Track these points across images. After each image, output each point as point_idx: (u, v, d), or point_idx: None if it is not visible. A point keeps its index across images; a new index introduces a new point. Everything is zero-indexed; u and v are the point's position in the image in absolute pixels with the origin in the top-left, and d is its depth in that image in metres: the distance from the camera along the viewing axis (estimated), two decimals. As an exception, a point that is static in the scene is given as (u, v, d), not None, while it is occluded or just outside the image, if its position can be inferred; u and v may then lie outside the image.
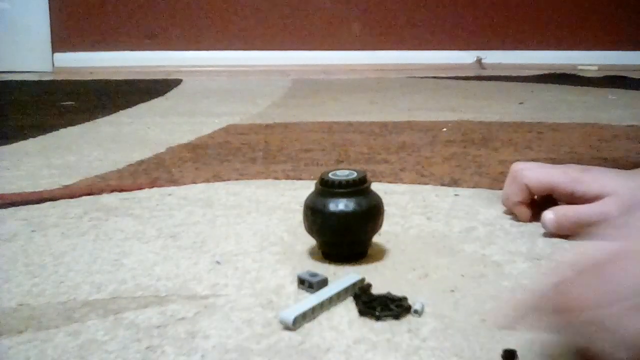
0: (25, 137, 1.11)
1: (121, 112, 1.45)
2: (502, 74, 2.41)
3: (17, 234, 0.61)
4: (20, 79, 2.35)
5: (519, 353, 0.38)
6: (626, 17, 2.78)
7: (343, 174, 0.52)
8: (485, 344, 0.39)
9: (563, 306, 0.33)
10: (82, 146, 1.04)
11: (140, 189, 0.77)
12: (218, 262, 0.53)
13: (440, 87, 2.02)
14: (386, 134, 1.14)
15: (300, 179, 0.81)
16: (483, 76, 2.37)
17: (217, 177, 0.82)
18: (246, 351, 0.39)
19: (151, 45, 2.72)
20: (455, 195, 0.73)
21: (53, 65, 2.66)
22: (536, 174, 0.62)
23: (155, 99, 1.70)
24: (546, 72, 2.45)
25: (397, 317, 0.42)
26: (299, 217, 0.58)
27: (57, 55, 2.67)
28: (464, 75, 2.39)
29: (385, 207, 0.54)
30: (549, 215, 0.59)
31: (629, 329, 0.31)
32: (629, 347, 0.31)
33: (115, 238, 0.60)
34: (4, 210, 0.68)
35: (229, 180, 0.81)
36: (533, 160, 0.79)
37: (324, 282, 0.47)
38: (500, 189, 0.66)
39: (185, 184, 0.79)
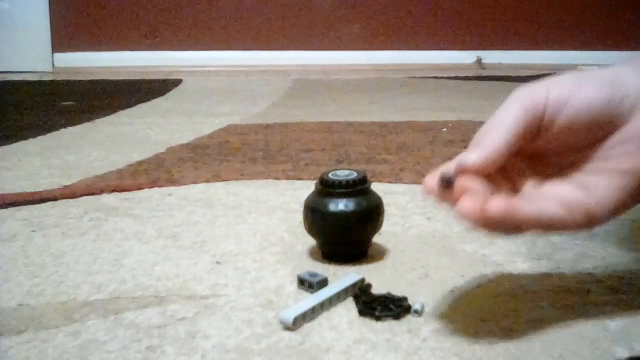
0: (25, 137, 1.11)
1: (121, 112, 1.45)
2: (502, 74, 2.41)
3: (17, 234, 0.61)
4: (20, 79, 2.35)
5: (518, 353, 0.38)
6: (626, 17, 2.78)
7: (343, 174, 0.52)
8: (485, 344, 0.39)
9: None
10: (82, 146, 1.04)
11: (140, 189, 0.77)
12: (218, 262, 0.53)
13: (440, 87, 2.02)
14: (386, 134, 1.14)
15: (300, 179, 0.81)
16: (483, 76, 2.37)
17: (217, 177, 0.82)
18: (246, 351, 0.39)
19: (151, 45, 2.72)
20: (455, 195, 0.73)
21: (53, 65, 2.66)
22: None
23: (155, 99, 1.69)
24: (546, 72, 2.44)
25: (397, 317, 0.42)
26: (299, 217, 0.58)
27: (57, 55, 2.67)
28: (464, 75, 2.39)
29: (385, 207, 0.54)
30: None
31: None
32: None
33: (115, 238, 0.60)
34: (4, 210, 0.68)
35: (229, 180, 0.81)
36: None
37: (324, 282, 0.47)
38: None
39: (185, 184, 0.79)
